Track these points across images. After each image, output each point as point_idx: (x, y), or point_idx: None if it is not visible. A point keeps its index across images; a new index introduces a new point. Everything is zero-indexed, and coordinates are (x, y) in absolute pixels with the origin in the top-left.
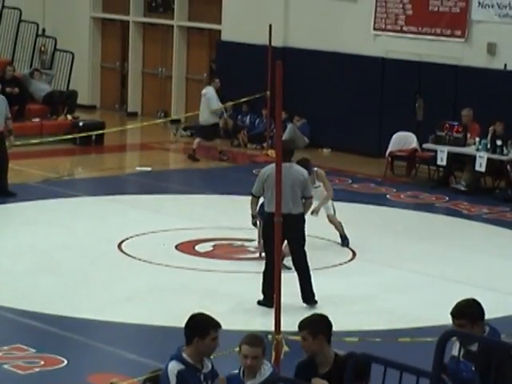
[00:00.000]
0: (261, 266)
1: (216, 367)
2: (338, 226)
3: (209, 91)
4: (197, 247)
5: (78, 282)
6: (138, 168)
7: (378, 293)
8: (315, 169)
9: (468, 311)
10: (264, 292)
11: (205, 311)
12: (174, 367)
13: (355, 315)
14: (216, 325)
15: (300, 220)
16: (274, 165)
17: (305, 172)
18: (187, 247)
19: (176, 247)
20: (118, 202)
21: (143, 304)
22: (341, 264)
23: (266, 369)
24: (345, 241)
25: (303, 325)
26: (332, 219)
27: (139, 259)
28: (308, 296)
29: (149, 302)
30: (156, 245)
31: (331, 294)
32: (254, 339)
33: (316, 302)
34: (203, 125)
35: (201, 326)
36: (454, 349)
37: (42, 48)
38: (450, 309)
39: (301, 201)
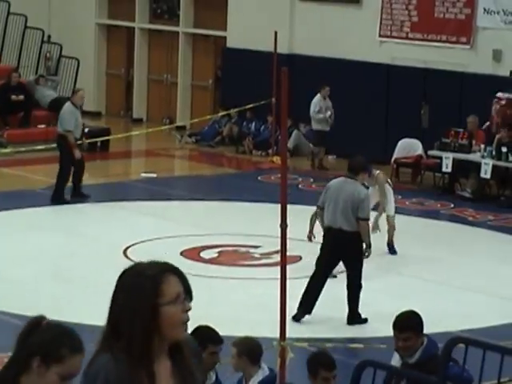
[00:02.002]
0: (263, 272)
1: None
2: (391, 231)
3: (315, 98)
4: (202, 253)
5: (83, 288)
6: (143, 174)
7: (383, 299)
8: (377, 172)
9: (412, 324)
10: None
11: (210, 318)
12: None
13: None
14: (216, 340)
15: (354, 239)
16: (340, 178)
17: (362, 191)
18: (192, 253)
19: (181, 253)
20: (123, 208)
21: None
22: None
23: (261, 373)
24: (391, 249)
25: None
26: (390, 221)
27: None
28: (352, 321)
29: None
30: (161, 251)
31: (336, 300)
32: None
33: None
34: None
35: (199, 340)
36: (394, 360)
37: (48, 54)
38: (454, 315)
39: (353, 218)
